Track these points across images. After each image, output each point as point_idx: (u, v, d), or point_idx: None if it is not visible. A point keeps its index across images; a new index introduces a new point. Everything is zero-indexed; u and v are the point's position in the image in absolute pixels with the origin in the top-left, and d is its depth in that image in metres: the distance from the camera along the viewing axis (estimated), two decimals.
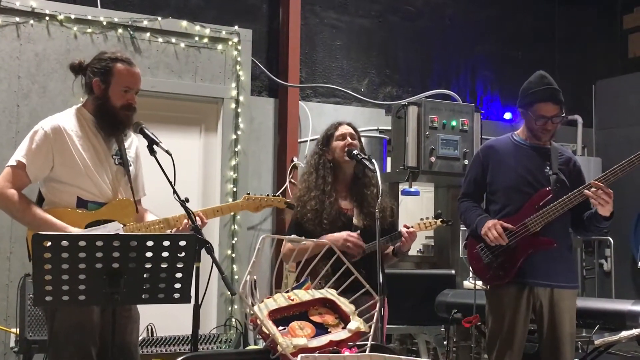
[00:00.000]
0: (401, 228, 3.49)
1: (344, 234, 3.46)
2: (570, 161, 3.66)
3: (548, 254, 3.51)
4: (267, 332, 2.54)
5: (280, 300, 2.73)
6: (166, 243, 2.54)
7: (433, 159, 5.58)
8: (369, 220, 3.51)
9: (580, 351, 4.02)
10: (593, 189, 3.36)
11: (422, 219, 3.66)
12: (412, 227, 3.52)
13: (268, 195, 3.56)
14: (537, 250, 3.50)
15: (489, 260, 3.58)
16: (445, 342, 4.79)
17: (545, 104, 3.53)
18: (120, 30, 5.62)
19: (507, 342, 3.53)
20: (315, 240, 3.12)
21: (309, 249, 3.07)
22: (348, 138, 3.60)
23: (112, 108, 3.10)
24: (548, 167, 3.57)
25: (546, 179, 3.55)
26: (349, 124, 3.72)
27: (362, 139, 6.23)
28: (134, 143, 3.29)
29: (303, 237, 3.41)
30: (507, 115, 7.47)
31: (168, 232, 3.18)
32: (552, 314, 3.50)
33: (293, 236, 3.42)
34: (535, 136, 3.60)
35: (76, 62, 3.17)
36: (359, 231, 3.51)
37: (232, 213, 5.85)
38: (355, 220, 3.57)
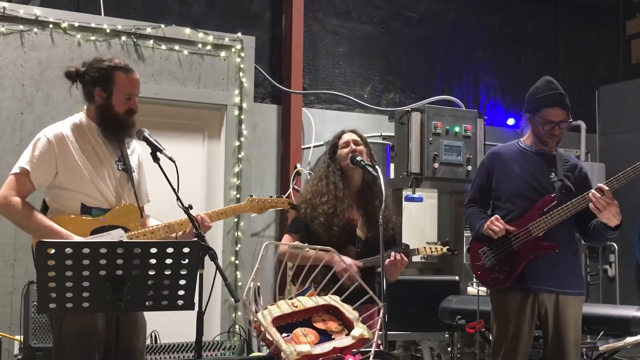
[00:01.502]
0: (392, 256, 3.41)
1: (350, 261, 3.38)
2: (576, 168, 3.65)
3: (553, 259, 3.50)
4: (271, 339, 2.54)
5: (283, 307, 2.73)
6: (170, 250, 2.54)
7: (436, 165, 5.58)
8: (372, 232, 3.52)
9: (585, 357, 4.01)
10: (597, 195, 3.34)
11: (428, 243, 3.68)
12: (415, 249, 3.54)
13: (271, 196, 3.56)
14: (539, 255, 3.49)
15: (491, 263, 3.58)
16: (449, 349, 4.78)
17: (552, 109, 3.53)
18: (123, 38, 5.63)
19: (512, 349, 3.51)
20: (318, 247, 3.11)
21: (311, 258, 3.07)
22: (352, 144, 3.61)
23: (116, 115, 3.11)
24: (553, 174, 3.57)
25: (551, 185, 3.55)
26: (353, 131, 3.72)
27: None
28: (137, 150, 3.29)
29: (306, 244, 3.40)
30: (510, 121, 7.47)
31: (173, 236, 3.18)
32: (557, 321, 3.49)
33: (296, 243, 3.43)
34: (542, 142, 3.60)
35: (72, 69, 3.15)
36: (360, 246, 3.54)
37: (236, 219, 5.86)
38: (359, 232, 3.58)
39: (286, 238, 3.61)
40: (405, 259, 3.44)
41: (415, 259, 6.29)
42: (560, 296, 3.50)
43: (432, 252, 3.61)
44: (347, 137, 3.66)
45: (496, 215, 3.54)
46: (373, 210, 3.51)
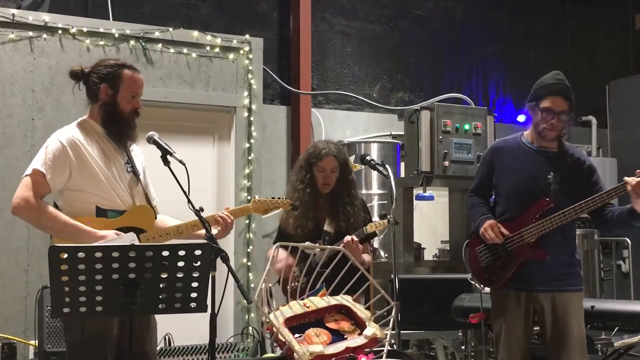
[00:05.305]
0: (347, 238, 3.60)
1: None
2: (579, 161, 3.56)
3: (546, 261, 3.46)
4: (284, 340, 2.54)
5: (295, 307, 2.73)
6: (182, 252, 2.55)
7: (447, 163, 5.56)
8: (340, 225, 3.75)
9: (600, 353, 3.98)
10: (636, 179, 3.20)
11: (372, 222, 3.79)
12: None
13: (274, 197, 3.58)
14: (530, 260, 3.48)
15: (486, 263, 3.59)
16: (463, 347, 4.77)
17: (554, 97, 3.44)
18: (132, 42, 5.66)
19: (509, 346, 3.52)
20: (329, 247, 3.25)
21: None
22: (328, 172, 3.76)
23: (121, 113, 3.11)
24: (551, 174, 3.52)
25: (548, 187, 3.48)
26: (335, 155, 3.80)
27: (375, 145, 6.23)
28: (139, 156, 3.29)
29: (317, 245, 3.50)
30: (521, 118, 7.44)
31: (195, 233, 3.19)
32: (556, 318, 3.44)
33: (307, 243, 3.46)
34: (540, 134, 3.51)
35: (77, 69, 3.16)
36: (328, 239, 3.70)
37: (247, 220, 5.88)
38: (327, 227, 3.77)
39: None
40: (356, 238, 3.59)
41: (428, 257, 6.28)
42: (556, 294, 3.46)
43: (377, 227, 3.69)
44: (325, 164, 3.77)
45: (494, 222, 3.53)
46: (341, 206, 3.76)
